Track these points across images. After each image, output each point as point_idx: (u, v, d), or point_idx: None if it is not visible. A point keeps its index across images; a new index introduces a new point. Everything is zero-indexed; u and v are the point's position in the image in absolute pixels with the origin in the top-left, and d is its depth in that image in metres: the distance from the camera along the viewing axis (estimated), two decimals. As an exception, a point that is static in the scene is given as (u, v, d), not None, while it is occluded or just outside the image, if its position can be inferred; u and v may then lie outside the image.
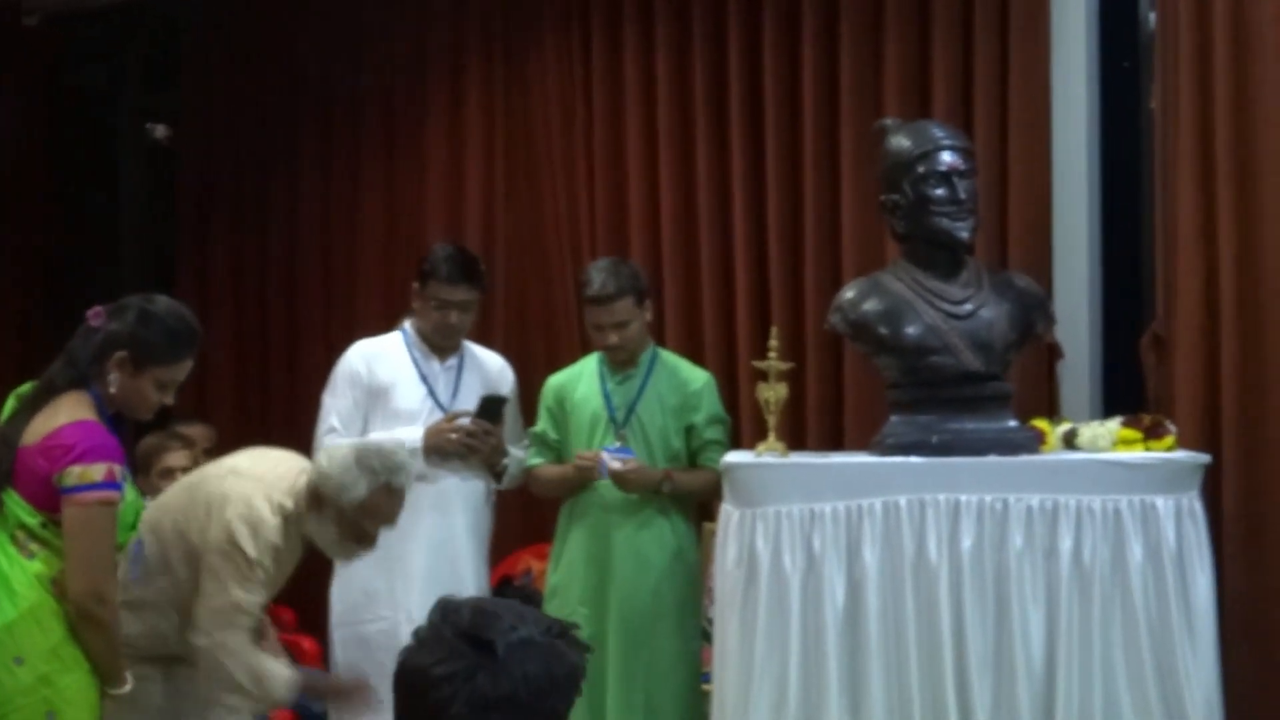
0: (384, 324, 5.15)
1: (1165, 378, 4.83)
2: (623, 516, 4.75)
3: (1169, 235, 4.81)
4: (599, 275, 4.72)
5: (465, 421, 4.77)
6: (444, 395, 4.87)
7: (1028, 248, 5.06)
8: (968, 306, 4.31)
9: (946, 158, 4.33)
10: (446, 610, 2.18)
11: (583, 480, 4.77)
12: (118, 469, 3.61)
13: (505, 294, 6.00)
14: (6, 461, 3.60)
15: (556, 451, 4.91)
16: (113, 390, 3.67)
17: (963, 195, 4.30)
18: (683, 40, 5.59)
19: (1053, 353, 5.02)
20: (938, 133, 4.40)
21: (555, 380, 4.98)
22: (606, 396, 4.82)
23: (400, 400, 4.85)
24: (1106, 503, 4.13)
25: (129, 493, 3.75)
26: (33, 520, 3.58)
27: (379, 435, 4.67)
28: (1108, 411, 5.02)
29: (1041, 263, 5.05)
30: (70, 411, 3.61)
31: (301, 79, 6.59)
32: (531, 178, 6.05)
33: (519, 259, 6.07)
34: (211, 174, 6.87)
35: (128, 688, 3.66)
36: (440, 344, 4.89)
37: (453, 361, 4.92)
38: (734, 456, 4.46)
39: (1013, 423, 4.32)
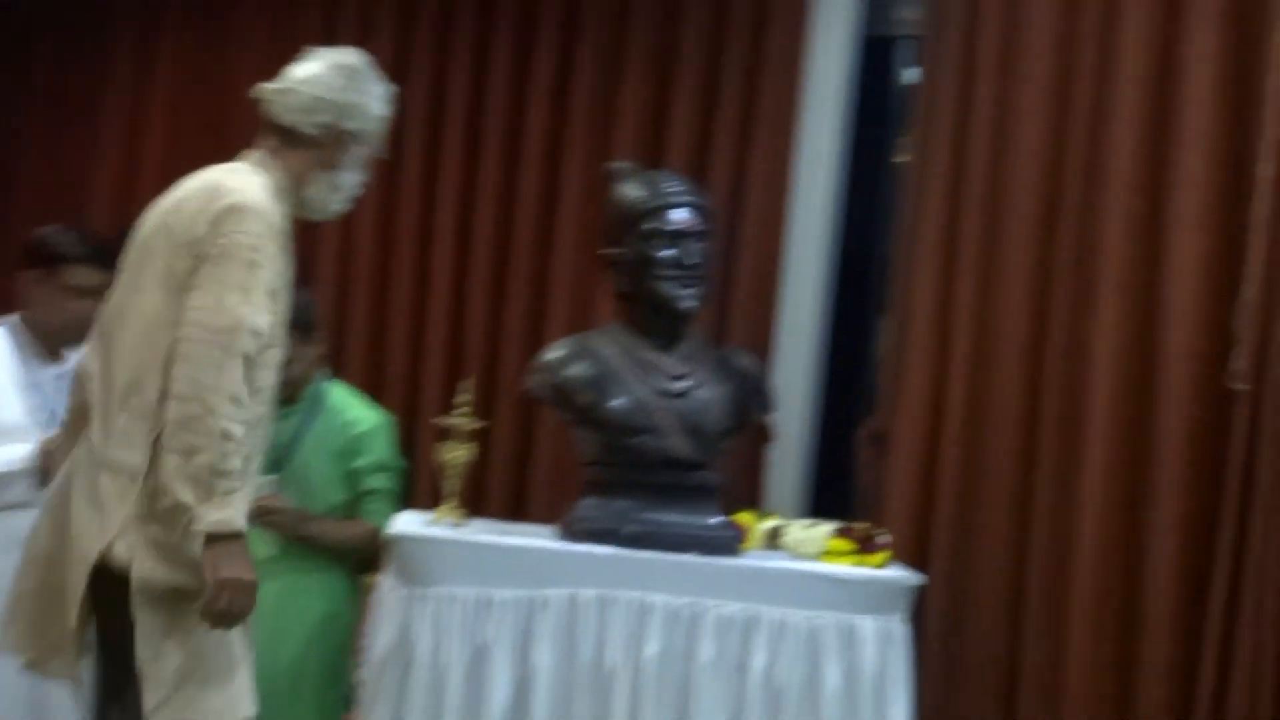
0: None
1: (880, 477, 4.50)
2: (265, 572, 4.15)
3: (903, 326, 4.49)
4: None
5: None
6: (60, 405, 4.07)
7: (751, 319, 4.67)
8: (683, 384, 3.87)
9: (678, 215, 3.89)
10: None
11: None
12: None
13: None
14: None
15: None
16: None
17: (691, 259, 3.87)
18: (401, 54, 4.97)
19: (764, 435, 4.64)
20: (672, 186, 3.96)
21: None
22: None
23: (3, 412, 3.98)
24: (807, 618, 3.75)
25: None
26: None
27: None
28: (816, 508, 4.67)
29: (764, 337, 4.68)
30: None
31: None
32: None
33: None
34: None
35: None
36: (72, 340, 3.97)
37: (68, 367, 3.99)
38: (402, 523, 3.93)
39: (716, 519, 3.90)
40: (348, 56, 3.33)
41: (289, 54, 5.08)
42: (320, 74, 3.29)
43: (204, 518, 2.98)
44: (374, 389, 4.77)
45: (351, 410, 4.29)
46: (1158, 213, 4.14)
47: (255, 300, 3.05)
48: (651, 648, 3.70)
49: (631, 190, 3.94)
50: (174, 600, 3.08)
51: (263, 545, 4.09)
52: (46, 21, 5.62)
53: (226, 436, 2.98)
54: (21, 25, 5.64)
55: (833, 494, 4.76)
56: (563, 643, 3.72)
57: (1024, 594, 4.26)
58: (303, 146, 3.26)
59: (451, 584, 3.74)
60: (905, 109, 4.70)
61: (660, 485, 3.83)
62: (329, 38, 5.03)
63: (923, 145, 4.49)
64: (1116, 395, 4.13)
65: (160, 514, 3.03)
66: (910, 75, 4.74)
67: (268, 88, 3.29)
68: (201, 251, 3.07)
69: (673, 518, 3.83)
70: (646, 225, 3.87)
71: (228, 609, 3.03)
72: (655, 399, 3.84)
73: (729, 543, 3.87)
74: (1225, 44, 4.08)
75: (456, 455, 3.98)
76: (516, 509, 4.70)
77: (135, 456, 3.07)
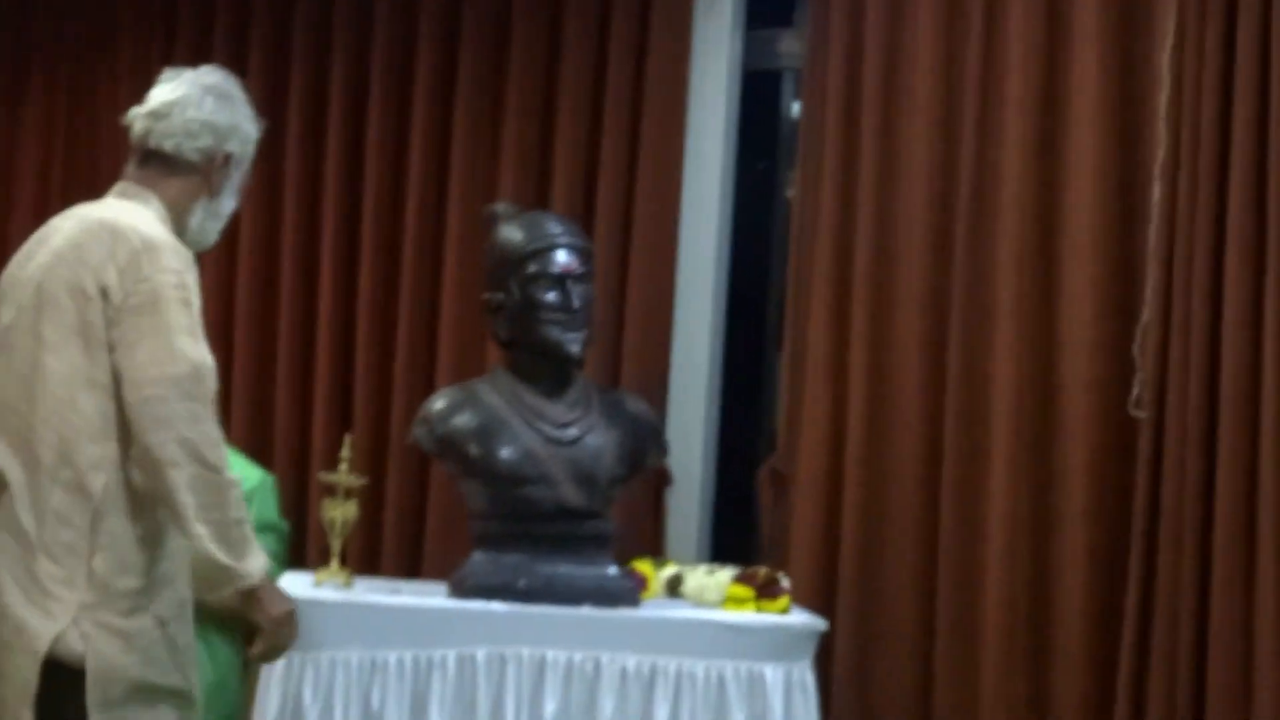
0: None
1: (782, 518, 4.39)
2: None
3: (797, 360, 4.39)
4: None
5: None
6: None
7: (643, 360, 4.54)
8: (572, 431, 3.76)
9: (561, 258, 3.78)
10: None
11: None
12: None
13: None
14: None
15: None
16: None
17: (576, 303, 3.76)
18: (275, 93, 4.80)
19: (661, 479, 4.52)
20: (554, 228, 3.85)
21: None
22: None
23: None
24: (710, 668, 3.65)
25: None
26: None
27: None
28: (718, 552, 4.57)
29: (657, 378, 4.55)
30: None
31: None
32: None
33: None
34: None
35: None
36: None
37: None
38: (286, 586, 3.76)
39: (612, 569, 3.78)
40: (214, 77, 3.10)
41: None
42: (194, 96, 3.04)
43: (248, 573, 2.84)
44: (259, 444, 4.62)
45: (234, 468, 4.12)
46: (1050, 239, 4.06)
47: (201, 339, 2.86)
48: (550, 705, 3.60)
49: (512, 233, 3.83)
50: (134, 696, 2.84)
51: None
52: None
53: (231, 484, 2.83)
54: None
55: (735, 538, 4.64)
56: (458, 705, 3.61)
57: (932, 633, 4.14)
58: (182, 174, 3.01)
59: (339, 648, 3.61)
60: (793, 143, 4.61)
61: (553, 536, 3.71)
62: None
63: (809, 179, 4.40)
64: (1018, 426, 4.04)
65: (119, 594, 2.82)
66: (797, 109, 4.66)
67: (140, 112, 3.05)
68: (121, 302, 2.82)
69: (567, 569, 3.71)
70: (530, 268, 3.76)
71: (285, 643, 2.98)
72: (544, 447, 3.72)
73: (627, 593, 3.75)
74: (1109, 65, 4.02)
75: (340, 513, 3.83)
76: (410, 566, 4.55)
77: (77, 536, 2.81)
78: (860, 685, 4.20)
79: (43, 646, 2.79)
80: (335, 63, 4.85)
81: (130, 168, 3.06)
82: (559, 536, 3.71)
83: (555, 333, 3.74)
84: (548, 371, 3.80)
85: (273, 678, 3.64)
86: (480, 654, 3.60)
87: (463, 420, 3.76)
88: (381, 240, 4.76)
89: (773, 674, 3.64)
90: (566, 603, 3.65)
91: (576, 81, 4.62)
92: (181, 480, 2.77)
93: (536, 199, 4.59)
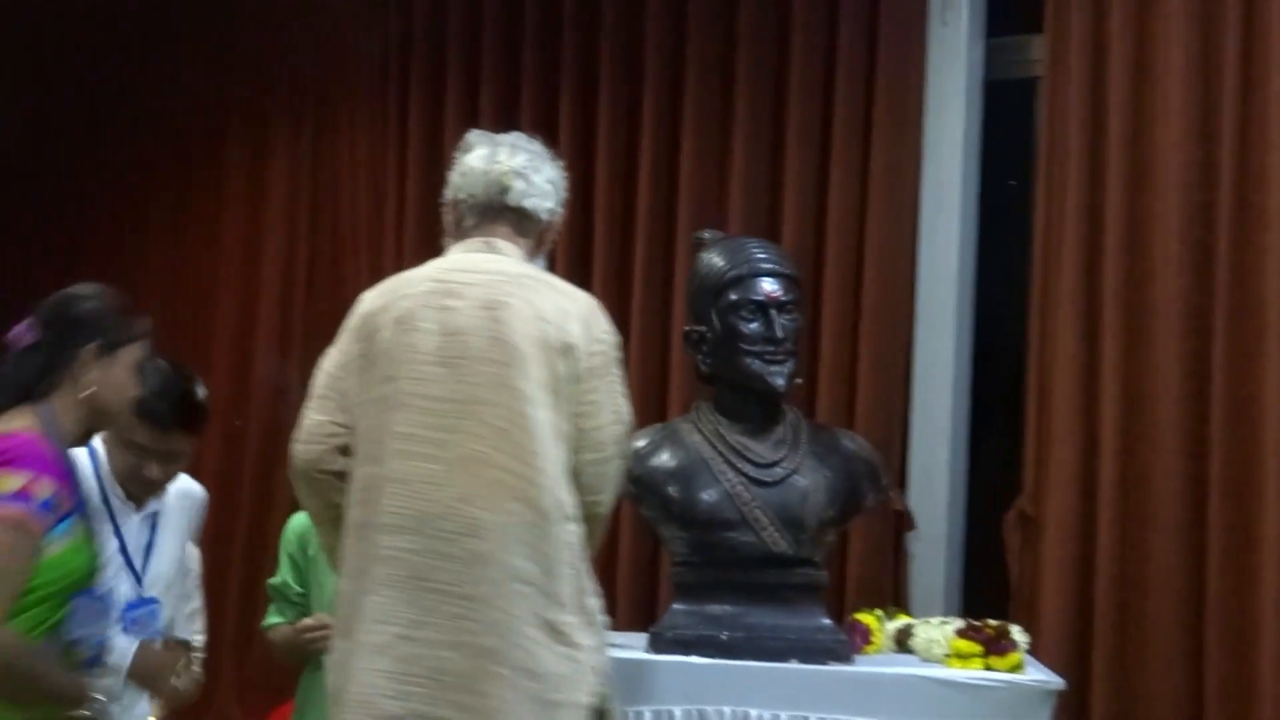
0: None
1: (1031, 565, 4.02)
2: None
3: (1043, 392, 4.02)
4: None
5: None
6: (136, 553, 3.59)
7: (880, 397, 4.25)
8: (777, 471, 3.46)
9: (765, 285, 3.50)
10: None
11: (313, 653, 3.88)
12: (46, 488, 2.80)
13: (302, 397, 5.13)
14: None
15: (301, 609, 4.00)
16: (92, 390, 2.95)
17: (780, 333, 3.47)
18: (509, 122, 4.70)
19: (901, 523, 4.19)
20: (758, 253, 3.57)
21: (299, 520, 4.06)
22: (357, 545, 3.93)
23: None
24: (929, 732, 3.29)
25: (76, 537, 2.89)
26: None
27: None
28: (969, 605, 4.20)
29: (896, 416, 4.26)
30: (7, 422, 2.87)
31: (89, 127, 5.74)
32: (336, 262, 5.22)
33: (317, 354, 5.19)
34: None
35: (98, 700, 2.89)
36: (133, 493, 3.61)
37: (153, 507, 3.63)
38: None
39: (824, 620, 3.46)
40: (528, 141, 3.08)
41: (392, 139, 4.98)
42: (541, 158, 3.05)
43: None
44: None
45: None
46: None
47: None
48: (753, 768, 3.30)
49: (714, 259, 3.57)
50: None
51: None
52: (167, 130, 5.58)
53: None
54: (145, 135, 5.62)
55: (991, 589, 4.26)
56: (655, 765, 3.34)
57: (1200, 695, 3.76)
58: (529, 234, 3.02)
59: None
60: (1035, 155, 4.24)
61: (758, 585, 3.40)
62: (435, 123, 4.84)
63: (1053, 194, 4.04)
64: (1292, 459, 3.61)
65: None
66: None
67: (503, 168, 3.00)
68: (585, 360, 2.87)
69: (774, 621, 3.41)
70: (731, 295, 3.49)
71: None
72: (746, 489, 3.44)
73: (838, 648, 3.43)
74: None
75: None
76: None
77: (575, 580, 2.86)
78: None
79: (584, 698, 2.84)
80: (563, 104, 4.74)
81: (474, 221, 3.01)
82: (765, 585, 3.41)
83: (757, 365, 3.46)
84: (753, 407, 3.52)
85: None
86: (678, 712, 3.35)
87: (662, 460, 3.51)
88: (611, 270, 4.61)
89: (1003, 738, 3.28)
90: (772, 658, 3.35)
91: (804, 104, 4.39)
92: (600, 533, 2.98)
93: (767, 228, 4.36)
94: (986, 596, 4.19)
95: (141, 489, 3.55)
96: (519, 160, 3.02)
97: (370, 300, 3.01)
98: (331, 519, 2.98)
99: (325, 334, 5.04)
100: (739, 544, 3.43)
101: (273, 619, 4.03)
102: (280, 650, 4.01)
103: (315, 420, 2.99)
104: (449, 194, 3.08)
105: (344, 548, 2.92)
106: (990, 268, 4.36)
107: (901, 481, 4.27)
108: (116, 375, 3.02)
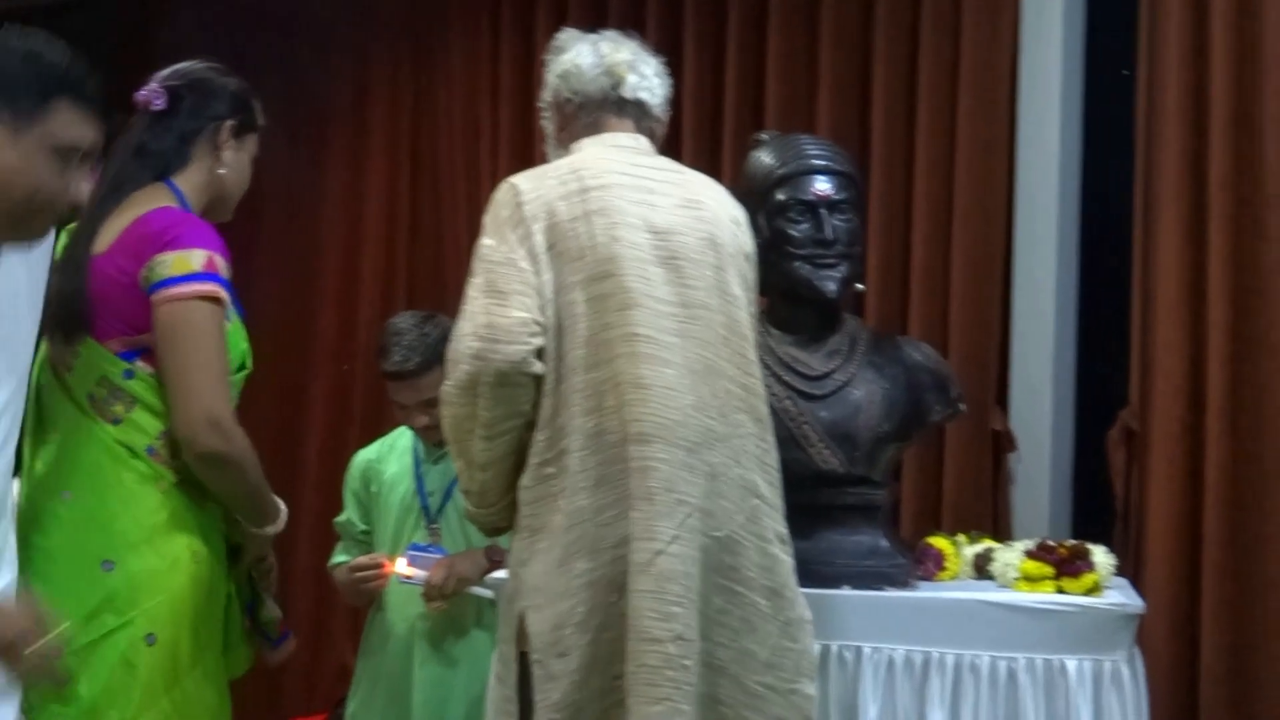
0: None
1: (1138, 484, 3.70)
2: (429, 646, 3.71)
3: (1147, 297, 3.68)
4: (397, 343, 3.65)
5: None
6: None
7: (975, 310, 3.95)
8: (829, 383, 3.21)
9: (816, 183, 3.22)
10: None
11: (367, 594, 3.76)
12: (220, 262, 2.71)
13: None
14: (76, 302, 2.67)
15: (365, 546, 3.88)
16: (223, 171, 2.87)
17: (831, 234, 3.19)
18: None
19: (1000, 443, 3.90)
20: (809, 148, 3.29)
21: (362, 456, 3.94)
22: (419, 479, 3.78)
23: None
24: (997, 662, 3.01)
25: (235, 319, 2.81)
26: (115, 369, 2.69)
27: None
28: (1078, 528, 3.90)
29: (995, 331, 3.95)
30: (149, 201, 2.77)
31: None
32: (437, 201, 5.08)
33: (420, 299, 5.07)
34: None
35: (282, 519, 2.87)
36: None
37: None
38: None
39: (881, 543, 3.20)
40: (625, 37, 2.93)
41: (484, 69, 4.82)
42: (642, 51, 2.91)
43: None
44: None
45: None
46: None
47: None
48: (805, 702, 3.05)
49: (763, 157, 3.31)
50: None
51: (420, 606, 3.68)
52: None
53: None
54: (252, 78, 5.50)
55: (1100, 511, 3.95)
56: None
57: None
58: (646, 126, 2.89)
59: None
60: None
61: (807, 506, 3.10)
62: (529, 48, 4.67)
63: (1153, 80, 3.68)
64: None
65: None
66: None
67: (613, 60, 2.84)
68: (754, 272, 2.86)
69: (826, 545, 3.15)
70: (779, 195, 3.22)
71: None
72: (795, 403, 3.19)
73: (894, 573, 3.16)
74: None
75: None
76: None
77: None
78: (1234, 684, 3.48)
79: (808, 614, 2.78)
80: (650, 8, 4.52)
81: (589, 119, 2.84)
82: (816, 506, 3.13)
83: (806, 270, 3.19)
84: (806, 317, 3.26)
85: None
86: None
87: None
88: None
89: (1076, 668, 2.98)
90: (823, 584, 3.08)
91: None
92: None
93: (858, 132, 4.11)
94: (1099, 520, 3.88)
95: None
96: (625, 54, 2.87)
97: (538, 189, 2.70)
98: (514, 430, 2.64)
99: (424, 279, 5.01)
100: (786, 462, 3.11)
101: (338, 558, 3.93)
102: (341, 590, 3.91)
103: (518, 318, 2.59)
104: (548, 96, 2.88)
105: (562, 460, 2.62)
106: (1097, 168, 4.01)
107: (1001, 399, 3.97)
108: (243, 161, 2.91)
